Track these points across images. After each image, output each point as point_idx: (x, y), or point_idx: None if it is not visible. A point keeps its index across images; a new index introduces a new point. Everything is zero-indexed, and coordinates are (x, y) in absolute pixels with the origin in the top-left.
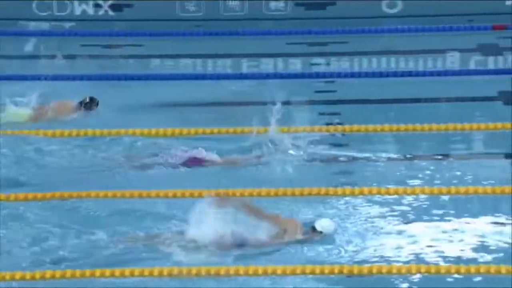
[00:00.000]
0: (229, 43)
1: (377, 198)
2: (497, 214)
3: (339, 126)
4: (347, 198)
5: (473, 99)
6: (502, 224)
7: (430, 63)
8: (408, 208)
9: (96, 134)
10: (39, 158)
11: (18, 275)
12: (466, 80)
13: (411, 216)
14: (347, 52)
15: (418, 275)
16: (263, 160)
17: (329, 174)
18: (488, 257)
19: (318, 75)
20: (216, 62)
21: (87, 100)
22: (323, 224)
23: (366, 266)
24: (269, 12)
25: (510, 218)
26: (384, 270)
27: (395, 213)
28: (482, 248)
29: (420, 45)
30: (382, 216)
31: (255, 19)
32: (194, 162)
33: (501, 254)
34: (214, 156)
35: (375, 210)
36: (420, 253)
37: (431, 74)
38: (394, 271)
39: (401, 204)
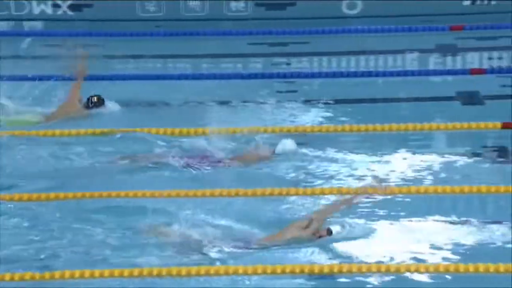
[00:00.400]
0: (190, 44)
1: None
2: (453, 214)
3: (300, 126)
4: (308, 197)
5: (432, 99)
6: (455, 223)
7: (389, 63)
8: (367, 208)
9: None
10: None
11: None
12: (425, 80)
13: (372, 216)
14: (307, 52)
15: (378, 275)
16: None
17: (291, 173)
18: (439, 257)
19: (279, 75)
20: (176, 62)
21: (95, 99)
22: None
23: (326, 265)
24: (230, 12)
25: (463, 217)
26: (344, 270)
27: (359, 213)
28: (437, 247)
29: (379, 45)
30: (346, 216)
31: (216, 19)
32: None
33: (453, 254)
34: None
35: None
36: (383, 253)
37: (391, 74)
38: (355, 270)
39: (360, 203)
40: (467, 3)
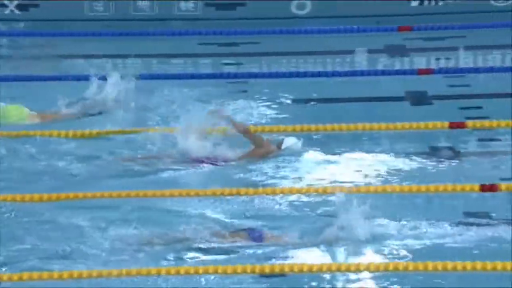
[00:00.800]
0: (140, 43)
1: (292, 197)
2: (401, 213)
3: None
4: (259, 197)
5: (381, 99)
6: (403, 221)
7: (338, 63)
8: (321, 208)
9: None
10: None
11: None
12: (374, 81)
13: (322, 216)
14: (258, 52)
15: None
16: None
17: (239, 174)
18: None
19: (229, 76)
20: (126, 62)
21: None
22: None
23: (278, 264)
24: (180, 12)
25: (411, 217)
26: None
27: (314, 212)
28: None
29: (329, 46)
30: (305, 215)
31: (165, 19)
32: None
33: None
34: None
35: (290, 208)
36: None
37: (340, 74)
38: (306, 269)
39: (311, 203)
40: (415, 3)
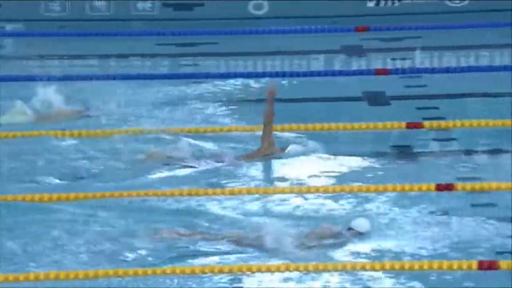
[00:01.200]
0: (97, 44)
1: (246, 198)
2: (361, 212)
3: (209, 127)
4: (217, 198)
5: (338, 99)
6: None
7: (296, 63)
8: (275, 207)
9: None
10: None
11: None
12: (331, 81)
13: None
14: (215, 52)
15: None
16: None
17: (200, 176)
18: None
19: (186, 76)
20: (84, 62)
21: None
22: (360, 223)
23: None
24: (137, 12)
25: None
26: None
27: (268, 211)
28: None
29: (286, 46)
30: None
31: (122, 19)
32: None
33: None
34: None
35: (247, 207)
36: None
37: (298, 75)
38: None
39: (268, 202)
40: (371, 4)
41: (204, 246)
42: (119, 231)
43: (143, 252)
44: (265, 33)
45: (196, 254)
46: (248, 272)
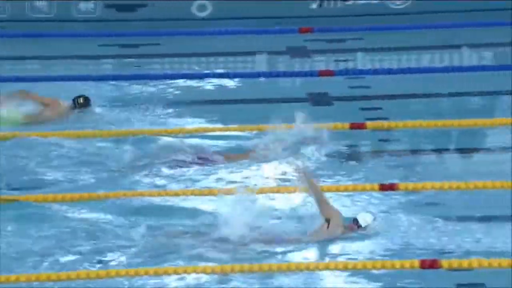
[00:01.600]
0: (39, 45)
1: (209, 198)
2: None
3: (162, 129)
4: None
5: (282, 100)
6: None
7: (240, 65)
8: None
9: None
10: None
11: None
12: (275, 82)
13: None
14: (158, 54)
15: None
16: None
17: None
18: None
19: (129, 77)
20: (25, 64)
21: (81, 100)
22: (365, 218)
23: None
24: (79, 13)
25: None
26: None
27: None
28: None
29: (230, 47)
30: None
31: (64, 20)
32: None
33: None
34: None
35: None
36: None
37: (241, 76)
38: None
39: (216, 201)
40: (315, 5)
41: (195, 247)
42: (106, 231)
43: (133, 251)
44: (208, 34)
45: (187, 255)
46: (240, 272)
